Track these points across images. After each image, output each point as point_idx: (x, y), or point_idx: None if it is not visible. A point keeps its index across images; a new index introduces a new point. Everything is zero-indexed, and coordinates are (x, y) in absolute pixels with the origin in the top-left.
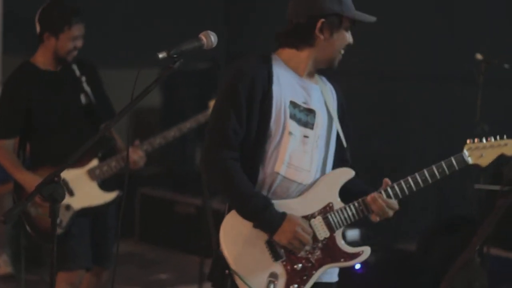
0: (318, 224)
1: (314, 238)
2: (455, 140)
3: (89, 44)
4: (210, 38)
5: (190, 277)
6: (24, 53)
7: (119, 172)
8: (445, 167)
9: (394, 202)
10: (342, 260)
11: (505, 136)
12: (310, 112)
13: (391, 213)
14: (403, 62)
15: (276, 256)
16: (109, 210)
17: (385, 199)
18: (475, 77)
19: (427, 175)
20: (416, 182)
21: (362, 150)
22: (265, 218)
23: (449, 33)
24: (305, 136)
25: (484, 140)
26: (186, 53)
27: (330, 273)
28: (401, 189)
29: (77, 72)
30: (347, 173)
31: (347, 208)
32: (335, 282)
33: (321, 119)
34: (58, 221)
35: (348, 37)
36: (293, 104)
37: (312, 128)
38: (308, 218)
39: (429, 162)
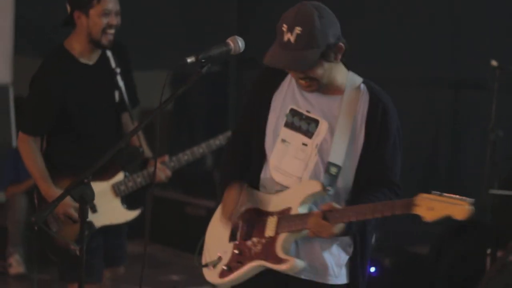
0: (271, 222)
1: (261, 233)
2: (468, 147)
3: None
4: (237, 43)
5: (200, 278)
6: (35, 54)
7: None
8: (387, 208)
9: (329, 227)
10: (270, 261)
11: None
12: (312, 121)
13: (325, 234)
14: (415, 67)
15: (232, 238)
16: None
17: (322, 222)
18: (489, 84)
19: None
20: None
21: None
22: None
23: (463, 39)
24: (304, 144)
25: (441, 195)
26: (214, 58)
27: (319, 273)
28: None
29: (113, 63)
30: (314, 186)
31: (297, 218)
32: (337, 284)
33: (324, 130)
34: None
35: None
36: (293, 112)
37: (311, 137)
38: (268, 214)
39: (439, 168)
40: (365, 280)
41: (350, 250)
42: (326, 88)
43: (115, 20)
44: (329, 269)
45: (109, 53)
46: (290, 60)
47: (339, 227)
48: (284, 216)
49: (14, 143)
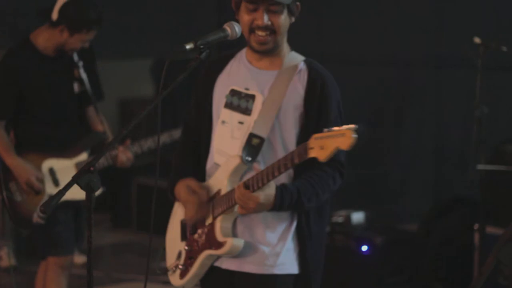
0: (209, 209)
1: (203, 222)
2: (453, 124)
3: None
4: (234, 29)
5: None
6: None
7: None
8: (288, 159)
9: (251, 196)
10: (213, 247)
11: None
12: (250, 97)
13: (251, 204)
14: (401, 48)
15: (183, 236)
16: None
17: (243, 191)
18: (473, 61)
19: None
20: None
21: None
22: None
23: (446, 17)
24: (240, 122)
25: (330, 130)
26: (212, 43)
27: (256, 263)
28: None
29: (75, 56)
30: (233, 160)
31: (226, 196)
32: (274, 274)
33: (259, 104)
34: (39, 214)
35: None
36: (233, 92)
37: (250, 114)
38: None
39: (426, 146)
40: (319, 269)
41: (289, 233)
42: (267, 59)
43: (87, 45)
44: (268, 255)
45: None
46: None
47: (266, 197)
48: (217, 199)
49: None
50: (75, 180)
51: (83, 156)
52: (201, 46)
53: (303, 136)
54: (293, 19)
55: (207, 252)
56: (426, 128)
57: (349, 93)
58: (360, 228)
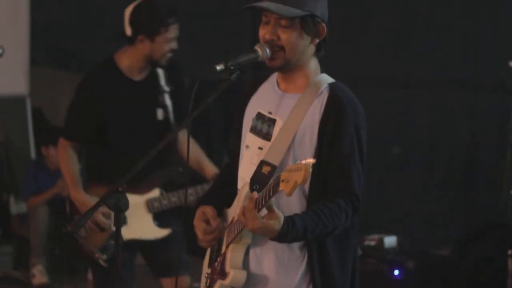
0: (224, 237)
1: (220, 251)
2: (486, 148)
3: None
4: (265, 50)
5: None
6: (51, 65)
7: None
8: (266, 191)
9: (256, 214)
10: (221, 278)
11: (303, 161)
12: (272, 122)
13: (250, 221)
14: (436, 70)
15: (209, 263)
16: None
17: (251, 207)
18: (508, 85)
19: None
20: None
21: (386, 155)
22: None
23: (482, 40)
24: (259, 148)
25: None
26: (243, 64)
27: None
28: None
29: (162, 81)
30: (244, 188)
31: (236, 223)
32: None
33: (278, 130)
34: (103, 246)
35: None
36: (258, 115)
37: (269, 139)
38: (224, 230)
39: (459, 170)
40: None
41: (301, 265)
42: (292, 80)
43: (176, 45)
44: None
45: (160, 71)
46: (270, 5)
47: (271, 225)
48: (230, 226)
49: (32, 155)
50: (103, 200)
51: (155, 193)
52: (232, 68)
53: (318, 168)
54: (315, 40)
55: (219, 282)
56: (458, 151)
57: (383, 115)
58: (393, 252)
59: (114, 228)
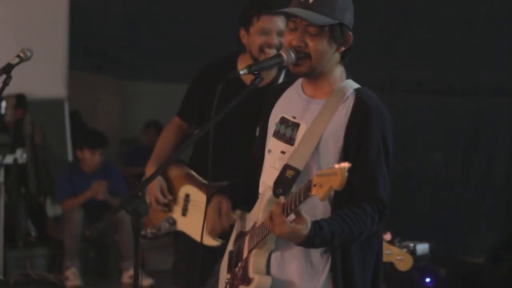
0: (245, 242)
1: (242, 256)
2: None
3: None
4: (290, 55)
5: None
6: (89, 69)
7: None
8: (295, 196)
9: (284, 219)
10: (245, 283)
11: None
12: (296, 126)
13: (277, 227)
14: (476, 78)
15: (229, 268)
16: None
17: (279, 211)
18: None
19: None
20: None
21: (425, 163)
22: None
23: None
24: (282, 152)
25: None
26: (267, 69)
27: None
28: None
29: None
30: (267, 192)
31: (260, 228)
32: None
33: (302, 134)
34: (157, 227)
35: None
36: (282, 120)
37: (293, 144)
38: (245, 234)
39: (498, 178)
40: None
41: (324, 270)
42: (317, 86)
43: (275, 40)
44: None
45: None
46: (300, 11)
47: (298, 230)
48: (252, 231)
49: (70, 157)
50: (123, 205)
51: None
52: (255, 72)
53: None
54: (340, 48)
55: None
56: (498, 158)
57: (421, 121)
58: (425, 259)
59: (173, 216)
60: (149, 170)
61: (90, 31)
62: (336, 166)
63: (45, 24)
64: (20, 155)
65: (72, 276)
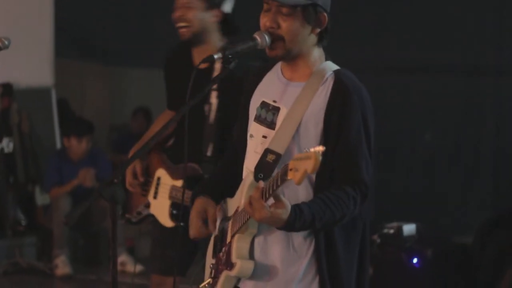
0: (228, 227)
1: (225, 241)
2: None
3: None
4: (264, 38)
5: None
6: (76, 56)
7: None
8: (273, 180)
9: (263, 204)
10: (228, 268)
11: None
12: (276, 110)
13: (256, 211)
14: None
15: (213, 253)
16: None
17: (257, 196)
18: None
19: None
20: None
21: (415, 144)
22: None
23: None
24: (263, 136)
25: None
26: (241, 53)
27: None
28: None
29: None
30: (248, 177)
31: (242, 212)
32: None
33: (282, 118)
34: (138, 211)
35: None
36: (263, 104)
37: (274, 128)
38: (229, 220)
39: (487, 157)
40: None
41: (307, 253)
42: (295, 69)
43: (180, 13)
44: (286, 277)
45: (217, 66)
46: None
47: (278, 214)
48: (235, 216)
49: (58, 145)
50: (99, 192)
51: (179, 183)
52: (230, 56)
53: (324, 156)
54: (316, 30)
55: (225, 273)
56: (486, 137)
57: (413, 100)
58: (412, 240)
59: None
60: (132, 151)
61: (76, 18)
62: (311, 150)
63: (30, 12)
64: (7, 144)
65: (62, 264)
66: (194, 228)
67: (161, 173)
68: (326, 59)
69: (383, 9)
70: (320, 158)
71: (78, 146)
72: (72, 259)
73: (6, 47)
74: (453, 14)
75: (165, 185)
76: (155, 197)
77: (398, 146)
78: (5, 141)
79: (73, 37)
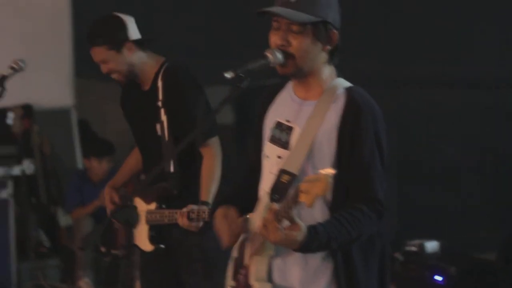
0: (246, 249)
1: (243, 262)
2: None
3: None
4: (276, 55)
5: None
6: (96, 76)
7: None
8: (286, 202)
9: (271, 220)
10: None
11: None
12: (290, 130)
13: (271, 233)
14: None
15: (234, 275)
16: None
17: (271, 218)
18: None
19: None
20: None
21: (438, 159)
22: None
23: None
24: (278, 157)
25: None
26: (253, 71)
27: None
28: None
29: (160, 95)
30: (263, 198)
31: (257, 235)
32: None
33: (296, 138)
34: (122, 245)
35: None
36: (277, 124)
37: (288, 148)
38: (246, 241)
39: (509, 171)
40: None
41: (325, 275)
42: (307, 88)
43: (104, 69)
44: None
45: (159, 84)
46: (280, 10)
47: (293, 236)
48: (253, 238)
49: (79, 165)
50: (113, 215)
51: (153, 205)
52: (241, 75)
53: (339, 175)
54: (326, 47)
55: None
56: (508, 153)
57: (434, 116)
58: (435, 257)
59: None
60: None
61: None
62: (322, 172)
63: (48, 33)
64: (28, 166)
65: (85, 286)
66: (224, 234)
67: (136, 202)
68: (338, 76)
69: (406, 23)
70: (330, 181)
71: (98, 167)
72: (96, 281)
73: (22, 69)
74: (478, 27)
75: (142, 212)
76: (135, 227)
77: (421, 160)
78: (25, 162)
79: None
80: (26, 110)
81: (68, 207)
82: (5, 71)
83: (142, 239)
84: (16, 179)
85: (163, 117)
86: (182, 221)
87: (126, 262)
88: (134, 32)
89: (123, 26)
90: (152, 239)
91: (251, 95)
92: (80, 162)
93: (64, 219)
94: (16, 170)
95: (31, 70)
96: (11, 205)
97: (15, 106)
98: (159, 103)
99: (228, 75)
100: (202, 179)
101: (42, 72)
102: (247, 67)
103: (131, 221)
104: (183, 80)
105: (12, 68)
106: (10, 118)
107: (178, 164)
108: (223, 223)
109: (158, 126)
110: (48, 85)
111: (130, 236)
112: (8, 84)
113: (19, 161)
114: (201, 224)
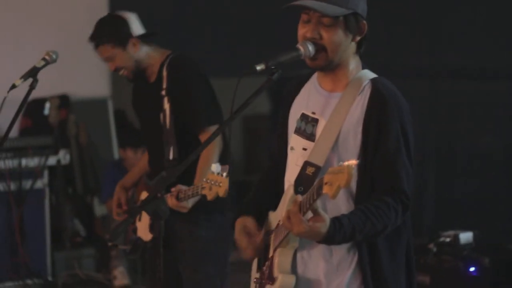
0: (271, 241)
1: (267, 254)
2: None
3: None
4: (307, 48)
5: None
6: None
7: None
8: (310, 194)
9: (301, 218)
10: (270, 282)
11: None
12: (315, 122)
13: (295, 225)
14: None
15: (258, 267)
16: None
17: (295, 210)
18: None
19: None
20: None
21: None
22: None
23: None
24: (303, 149)
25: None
26: (284, 63)
27: None
28: None
29: (164, 84)
30: (289, 190)
31: (282, 227)
32: None
33: (321, 130)
34: (130, 239)
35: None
36: (302, 116)
37: (313, 140)
38: (271, 233)
39: None
40: None
41: (350, 266)
42: (333, 80)
43: (111, 67)
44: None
45: (164, 73)
46: (313, 3)
47: (317, 228)
48: (277, 229)
49: (115, 156)
50: (142, 207)
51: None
52: (273, 67)
53: (364, 167)
54: (356, 38)
55: (268, 287)
56: None
57: (471, 105)
58: (469, 248)
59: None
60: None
61: None
62: (345, 163)
63: (86, 23)
64: (63, 156)
65: (120, 275)
66: (244, 246)
67: (143, 195)
68: (363, 68)
69: (442, 16)
70: (353, 172)
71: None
72: (131, 270)
73: (54, 60)
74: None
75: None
76: (139, 220)
77: (456, 152)
78: (61, 152)
79: None
80: (63, 100)
81: (103, 197)
82: (37, 62)
83: (144, 230)
84: (52, 169)
85: (166, 105)
86: (171, 202)
87: (151, 252)
88: (137, 28)
89: (125, 23)
90: (152, 228)
91: (288, 85)
92: (116, 152)
93: (99, 209)
94: (52, 160)
95: (68, 61)
96: (47, 195)
97: (52, 96)
98: (163, 92)
99: (259, 67)
100: (198, 166)
101: (79, 63)
102: (278, 60)
103: (160, 212)
104: (186, 69)
105: (44, 59)
106: (47, 108)
107: (177, 152)
108: (243, 237)
109: (161, 114)
110: (85, 75)
111: (158, 227)
112: (45, 75)
113: (55, 151)
114: (190, 204)
